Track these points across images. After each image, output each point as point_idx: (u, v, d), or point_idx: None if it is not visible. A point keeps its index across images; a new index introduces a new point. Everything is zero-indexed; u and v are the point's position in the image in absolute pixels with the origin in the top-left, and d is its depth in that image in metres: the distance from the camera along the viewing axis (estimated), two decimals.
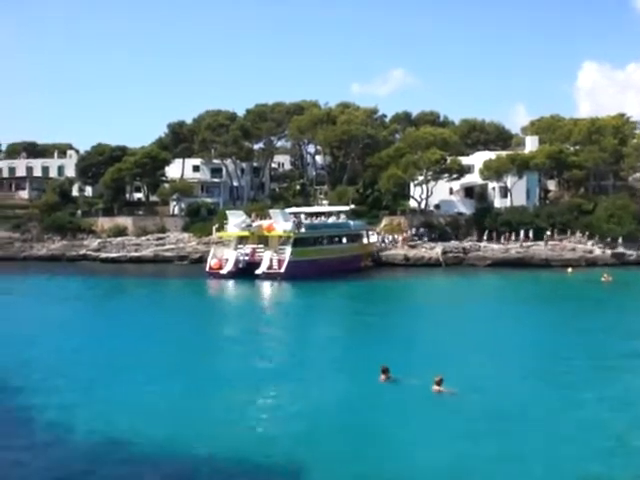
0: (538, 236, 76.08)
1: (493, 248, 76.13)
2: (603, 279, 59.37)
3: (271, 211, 68.04)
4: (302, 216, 69.44)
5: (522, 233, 76.56)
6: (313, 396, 22.67)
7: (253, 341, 33.27)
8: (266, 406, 21.79)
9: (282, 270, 60.42)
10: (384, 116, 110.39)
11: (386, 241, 78.90)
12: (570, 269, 68.71)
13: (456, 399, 21.91)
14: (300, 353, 30.37)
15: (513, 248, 75.50)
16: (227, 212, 70.21)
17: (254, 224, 65.32)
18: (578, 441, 18.34)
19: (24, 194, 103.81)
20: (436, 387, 22.17)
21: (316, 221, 71.10)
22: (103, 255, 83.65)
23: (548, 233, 76.28)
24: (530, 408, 21.22)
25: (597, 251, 74.19)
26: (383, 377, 23.66)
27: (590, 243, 75.39)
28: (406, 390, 22.83)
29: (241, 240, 65.54)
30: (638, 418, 20.64)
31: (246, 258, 63.24)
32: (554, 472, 16.51)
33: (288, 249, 61.89)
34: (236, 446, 18.03)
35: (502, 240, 77.00)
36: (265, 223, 65.16)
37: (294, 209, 74.60)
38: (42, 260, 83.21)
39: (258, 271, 60.70)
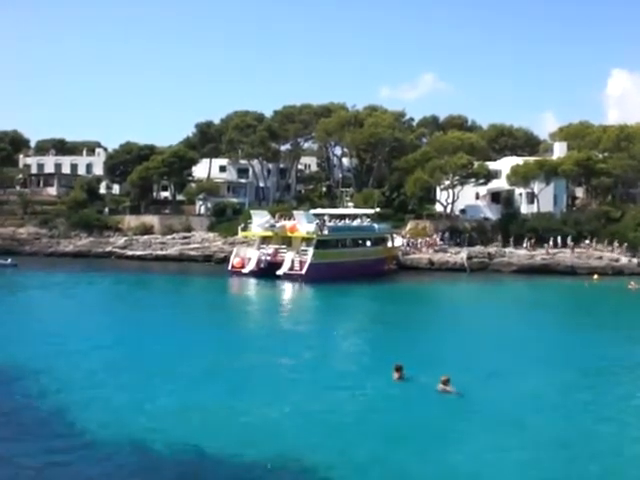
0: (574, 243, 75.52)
1: (518, 254, 75.43)
2: (630, 287, 58.77)
3: (295, 212, 68.07)
4: (326, 218, 69.28)
5: (559, 239, 75.81)
6: (325, 393, 22.80)
7: (267, 340, 33.35)
8: (278, 402, 21.80)
9: (303, 271, 60.31)
10: (411, 120, 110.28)
11: (418, 244, 78.26)
12: (596, 276, 67.97)
13: (460, 399, 21.97)
14: (315, 352, 30.35)
15: (539, 255, 74.76)
16: (251, 212, 70.46)
17: (278, 224, 65.37)
18: (577, 450, 18.14)
19: (52, 190, 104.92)
20: (442, 386, 22.19)
21: (340, 223, 70.88)
22: (129, 253, 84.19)
23: (587, 242, 75.59)
24: (531, 414, 21.01)
25: (623, 259, 73.21)
26: (396, 375, 23.76)
27: (617, 251, 74.49)
28: (415, 389, 22.93)
29: (265, 240, 65.67)
30: None
31: (268, 258, 63.28)
32: None
33: (310, 250, 61.80)
34: (244, 443, 18.14)
35: (528, 246, 76.33)
36: (288, 224, 65.18)
37: (318, 210, 74.58)
38: (68, 256, 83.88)
39: (279, 272, 60.72)
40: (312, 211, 71.47)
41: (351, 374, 25.96)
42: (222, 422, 19.98)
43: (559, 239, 75.98)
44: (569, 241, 75.47)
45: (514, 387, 24.12)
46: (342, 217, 74.22)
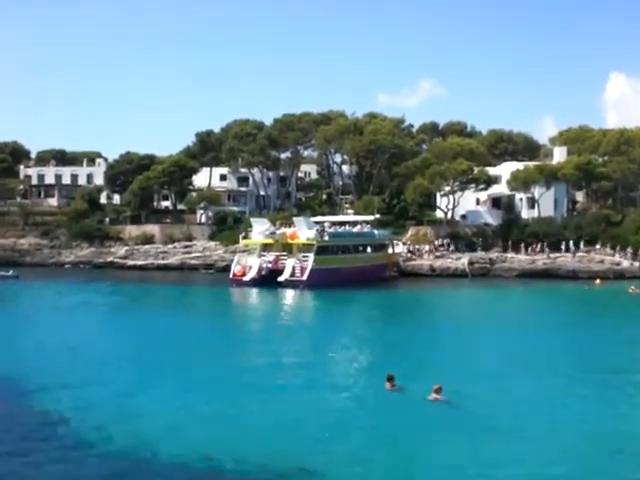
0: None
1: (520, 259, 75.40)
2: (630, 291, 58.69)
3: (295, 219, 68.17)
4: (326, 225, 69.26)
5: (571, 243, 75.74)
6: (316, 402, 22.76)
7: (264, 348, 33.24)
8: (268, 410, 21.79)
9: (304, 278, 60.43)
10: (411, 126, 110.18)
11: (423, 251, 78.20)
12: (598, 281, 67.75)
13: (451, 408, 21.70)
14: (311, 361, 30.25)
15: (540, 259, 74.71)
16: (251, 220, 70.53)
17: (278, 232, 65.42)
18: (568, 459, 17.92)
19: (53, 201, 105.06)
20: (434, 395, 22.01)
21: (340, 230, 70.97)
22: (130, 262, 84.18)
23: (598, 247, 75.57)
24: (524, 424, 20.63)
25: (625, 263, 73.12)
26: (388, 385, 23.57)
27: (618, 255, 74.43)
28: (406, 398, 22.71)
29: (265, 247, 65.67)
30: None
31: (269, 265, 63.32)
32: None
33: (311, 257, 61.88)
34: (238, 448, 18.16)
35: (529, 251, 76.36)
36: (289, 231, 65.24)
37: (319, 218, 74.63)
38: (70, 266, 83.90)
39: (280, 278, 60.78)
40: (312, 219, 71.55)
41: (344, 383, 25.76)
42: (217, 426, 20.05)
43: (571, 243, 75.96)
44: (582, 245, 75.59)
45: (512, 395, 23.82)
46: (342, 224, 74.26)
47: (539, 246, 76.28)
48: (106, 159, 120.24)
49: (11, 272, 70.23)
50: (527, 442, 18.85)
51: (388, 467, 17.12)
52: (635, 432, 20.06)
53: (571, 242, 75.93)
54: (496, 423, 20.39)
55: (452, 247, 79.38)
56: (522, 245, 77.05)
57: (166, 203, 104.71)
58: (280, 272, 61.76)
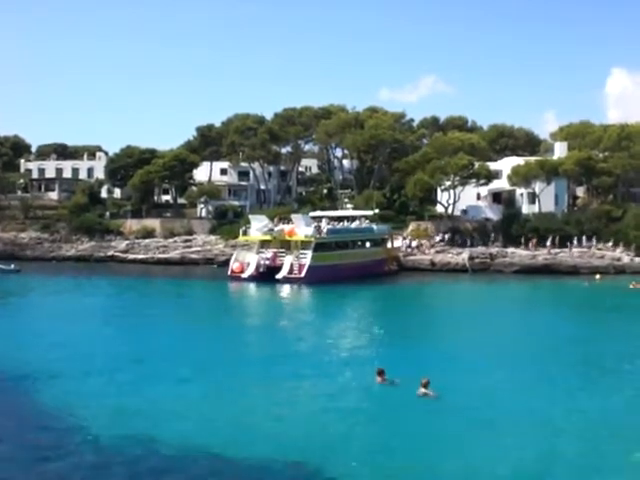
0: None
1: (520, 254, 75.24)
2: (632, 286, 58.67)
3: (293, 215, 68.06)
4: (323, 221, 69.04)
5: (584, 239, 75.72)
6: (307, 394, 23.31)
7: (258, 343, 33.96)
8: (260, 404, 22.17)
9: (302, 275, 60.39)
10: (412, 121, 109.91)
11: (422, 246, 78.14)
12: (598, 276, 67.64)
13: (438, 402, 21.87)
14: (306, 353, 30.73)
15: (541, 255, 74.53)
16: (250, 216, 70.52)
17: (276, 228, 65.34)
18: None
19: (53, 195, 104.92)
20: (422, 389, 22.18)
21: (339, 225, 70.85)
22: (131, 256, 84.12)
23: (610, 244, 75.46)
24: (515, 418, 20.80)
25: (626, 258, 72.99)
26: (379, 379, 23.92)
27: (619, 250, 74.30)
28: (396, 392, 23.02)
29: (264, 244, 65.58)
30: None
31: (267, 262, 63.21)
32: None
33: (309, 254, 61.79)
34: (225, 444, 18.32)
35: (530, 246, 76.21)
36: (287, 227, 65.10)
37: (317, 213, 74.53)
38: (70, 260, 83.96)
39: (279, 275, 60.75)
40: (311, 214, 71.51)
41: (335, 376, 26.08)
42: (213, 418, 20.42)
43: (584, 239, 75.86)
44: (594, 241, 75.60)
45: (503, 390, 24.08)
46: (341, 219, 74.09)
47: (548, 241, 75.92)
48: (107, 153, 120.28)
49: (12, 266, 70.37)
50: (515, 436, 19.02)
51: (374, 459, 17.37)
52: (624, 424, 20.19)
53: (584, 237, 75.85)
54: (484, 416, 20.63)
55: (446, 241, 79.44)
56: (531, 241, 76.85)
57: (167, 197, 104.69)
58: (278, 269, 61.70)
